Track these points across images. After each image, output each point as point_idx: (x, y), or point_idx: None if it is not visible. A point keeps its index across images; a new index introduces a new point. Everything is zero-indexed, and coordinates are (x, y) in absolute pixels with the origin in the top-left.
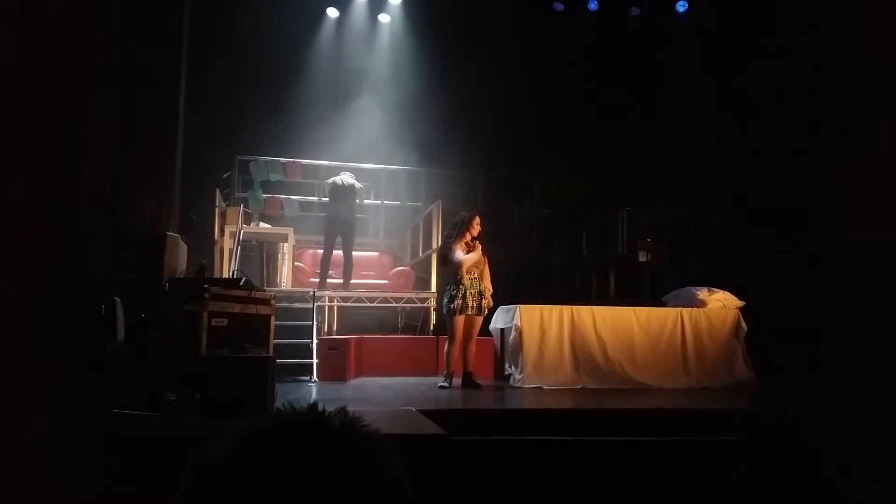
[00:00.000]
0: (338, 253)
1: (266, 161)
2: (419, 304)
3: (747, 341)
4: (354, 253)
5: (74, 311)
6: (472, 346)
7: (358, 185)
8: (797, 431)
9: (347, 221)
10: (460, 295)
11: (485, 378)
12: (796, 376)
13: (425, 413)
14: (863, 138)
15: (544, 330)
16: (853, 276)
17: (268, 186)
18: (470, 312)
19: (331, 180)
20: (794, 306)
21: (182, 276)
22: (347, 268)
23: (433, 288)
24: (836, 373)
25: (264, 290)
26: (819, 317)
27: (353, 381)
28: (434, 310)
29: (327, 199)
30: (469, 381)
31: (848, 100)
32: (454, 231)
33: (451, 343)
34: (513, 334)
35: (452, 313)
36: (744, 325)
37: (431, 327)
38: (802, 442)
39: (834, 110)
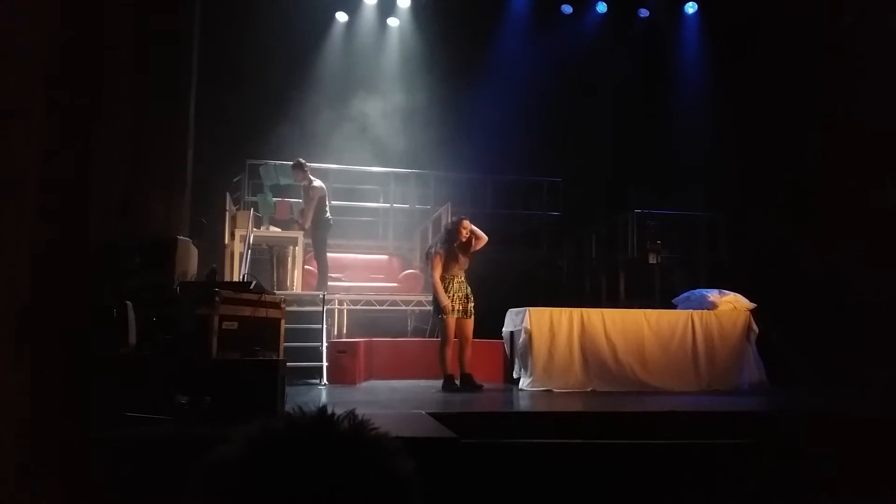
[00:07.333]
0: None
1: (276, 165)
2: (428, 307)
3: (758, 343)
4: (363, 256)
5: (86, 314)
6: (468, 350)
7: None
8: (810, 434)
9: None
10: (448, 297)
11: (494, 381)
12: (808, 378)
13: (435, 416)
14: (876, 137)
15: (554, 333)
16: (865, 277)
17: (278, 190)
18: (457, 315)
19: (322, 185)
20: (806, 308)
21: (193, 279)
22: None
23: None
24: (848, 374)
25: (274, 294)
26: (831, 318)
27: (363, 385)
28: None
29: (325, 203)
30: (470, 383)
31: (861, 96)
32: (441, 239)
33: (444, 344)
34: (522, 337)
35: (441, 313)
36: (755, 327)
37: None
38: (815, 444)
39: (846, 107)
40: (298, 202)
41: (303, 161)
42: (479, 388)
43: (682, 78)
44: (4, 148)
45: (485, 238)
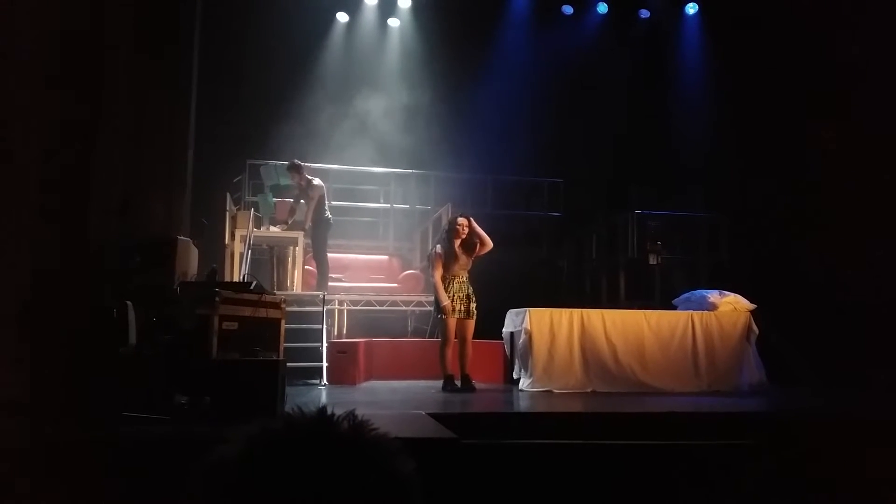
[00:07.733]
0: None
1: (276, 165)
2: (428, 308)
3: (759, 344)
4: (363, 256)
5: (86, 314)
6: (468, 350)
7: None
8: (810, 434)
9: None
10: (448, 297)
11: (494, 382)
12: (808, 379)
13: (435, 417)
14: (876, 137)
15: (554, 333)
16: (865, 278)
17: (278, 191)
18: (458, 316)
19: (321, 183)
20: (806, 309)
21: (193, 279)
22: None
23: None
24: (848, 375)
25: (274, 294)
26: (831, 319)
27: (363, 385)
28: None
29: (324, 202)
30: (466, 384)
31: (861, 96)
32: (441, 238)
33: (444, 345)
34: (522, 338)
35: (442, 313)
36: (755, 327)
37: None
38: (815, 445)
39: (846, 107)
40: (300, 203)
41: (298, 162)
42: (472, 389)
43: (682, 78)
44: (4, 147)
45: (489, 244)
